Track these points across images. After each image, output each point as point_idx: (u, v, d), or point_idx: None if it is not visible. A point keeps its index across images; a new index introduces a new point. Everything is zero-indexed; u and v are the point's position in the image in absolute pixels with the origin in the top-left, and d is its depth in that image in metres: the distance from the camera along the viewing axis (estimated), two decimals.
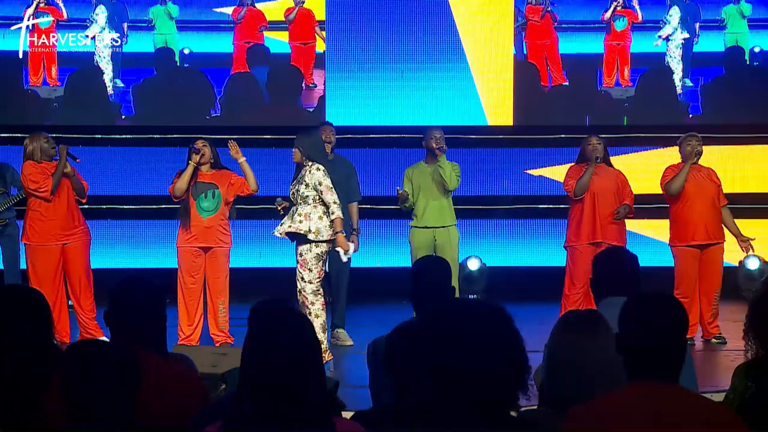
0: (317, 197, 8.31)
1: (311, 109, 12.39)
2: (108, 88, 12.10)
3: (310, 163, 8.40)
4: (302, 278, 8.39)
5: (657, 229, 9.76)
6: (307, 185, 8.35)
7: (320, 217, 8.30)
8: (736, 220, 9.51)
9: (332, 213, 8.30)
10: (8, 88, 12.01)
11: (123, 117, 12.21)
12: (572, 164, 9.44)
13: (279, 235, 8.51)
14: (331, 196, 8.31)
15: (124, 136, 11.66)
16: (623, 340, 3.11)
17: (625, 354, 3.10)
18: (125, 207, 11.17)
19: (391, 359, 3.63)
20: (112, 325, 3.75)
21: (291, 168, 9.77)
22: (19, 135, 11.68)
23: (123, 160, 11.13)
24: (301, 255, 8.37)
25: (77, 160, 8.91)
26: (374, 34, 11.97)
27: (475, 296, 10.69)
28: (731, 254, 10.18)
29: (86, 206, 9.34)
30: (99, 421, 2.94)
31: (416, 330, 2.72)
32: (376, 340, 4.66)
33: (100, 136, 11.19)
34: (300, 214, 8.33)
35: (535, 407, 3.48)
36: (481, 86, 11.98)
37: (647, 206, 10.70)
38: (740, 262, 11.48)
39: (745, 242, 9.35)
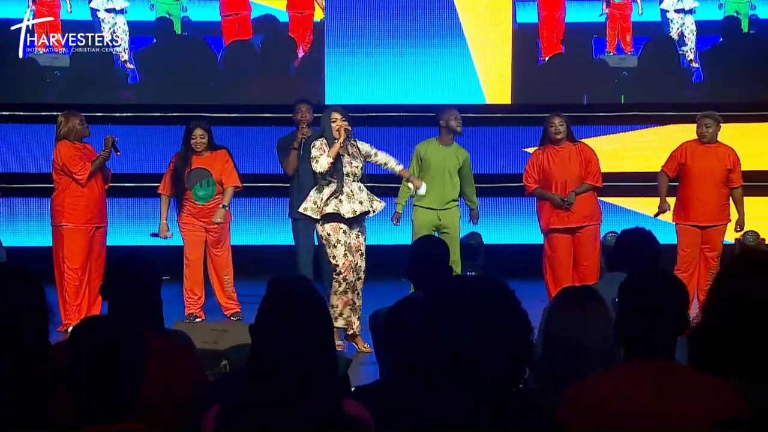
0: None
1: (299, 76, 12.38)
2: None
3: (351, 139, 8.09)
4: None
5: (654, 208, 9.80)
6: (363, 159, 8.14)
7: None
8: None
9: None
10: (3, 60, 11.87)
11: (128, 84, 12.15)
12: (535, 149, 9.30)
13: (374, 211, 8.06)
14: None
15: (125, 114, 11.68)
16: (624, 315, 3.12)
17: (625, 330, 3.12)
18: (127, 185, 11.21)
19: (392, 335, 3.68)
20: (108, 299, 3.79)
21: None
22: (21, 113, 11.72)
23: (125, 137, 11.14)
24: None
25: (118, 153, 8.90)
26: (373, 12, 11.98)
27: (473, 273, 10.74)
28: (727, 231, 10.24)
29: None
30: (105, 400, 2.89)
31: (421, 306, 2.74)
32: (377, 312, 4.74)
33: (101, 114, 11.21)
34: (366, 189, 8.12)
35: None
36: (479, 64, 12.01)
37: (643, 184, 10.76)
38: (736, 240, 11.55)
39: (739, 225, 9.55)
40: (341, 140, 7.81)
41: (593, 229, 9.04)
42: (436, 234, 8.86)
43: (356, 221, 7.98)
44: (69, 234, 8.74)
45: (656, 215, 9.49)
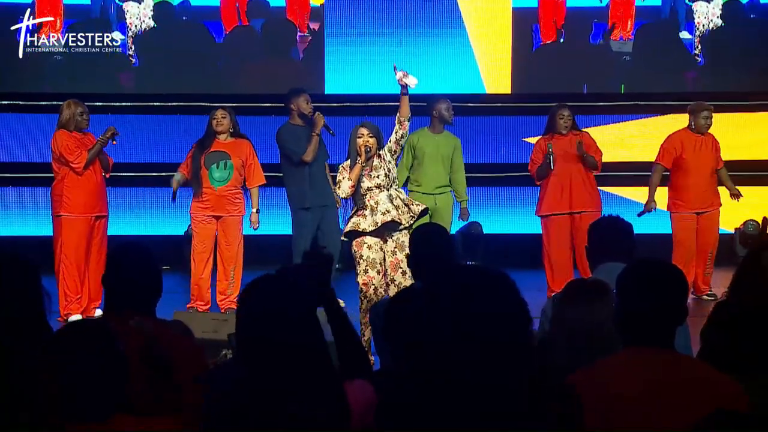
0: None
1: (301, 59, 12.36)
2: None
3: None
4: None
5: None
6: (389, 161, 7.64)
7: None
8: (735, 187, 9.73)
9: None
10: (2, 47, 11.83)
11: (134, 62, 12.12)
12: (539, 138, 9.54)
13: (407, 223, 7.48)
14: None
15: (125, 104, 11.66)
16: (624, 305, 3.14)
17: (624, 319, 3.14)
18: (127, 174, 11.23)
19: (392, 326, 3.68)
20: (107, 288, 3.80)
21: None
22: (20, 102, 11.71)
23: (125, 127, 11.16)
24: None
25: (114, 143, 8.89)
26: (373, 1, 11.98)
27: (472, 262, 10.75)
28: (728, 221, 10.30)
29: None
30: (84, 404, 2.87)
31: (422, 294, 2.73)
32: (376, 304, 4.74)
33: (101, 103, 11.20)
34: (402, 194, 7.71)
35: None
36: (479, 54, 12.00)
37: (644, 174, 10.75)
38: (737, 229, 11.58)
39: (735, 195, 9.64)
40: (362, 161, 7.45)
41: (593, 216, 9.09)
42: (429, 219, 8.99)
43: (390, 235, 7.50)
44: (68, 224, 8.70)
45: (641, 214, 9.44)
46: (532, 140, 11.82)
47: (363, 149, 7.44)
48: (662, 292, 3.11)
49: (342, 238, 7.75)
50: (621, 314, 3.15)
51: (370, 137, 7.48)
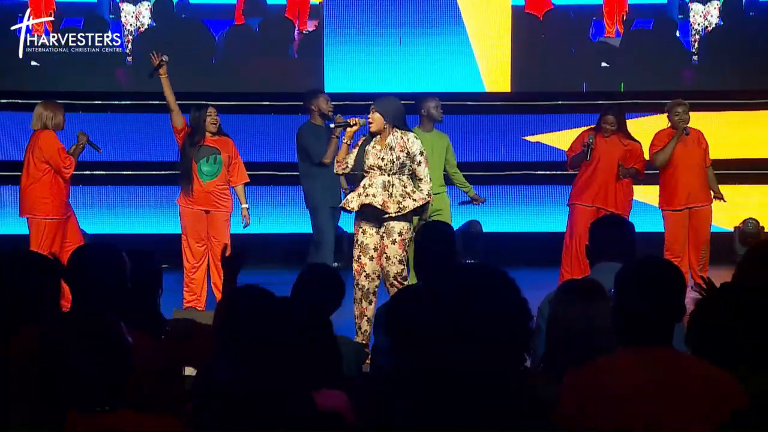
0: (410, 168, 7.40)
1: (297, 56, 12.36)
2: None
3: (399, 132, 7.35)
4: (400, 261, 7.29)
5: (649, 196, 9.85)
6: (408, 154, 7.34)
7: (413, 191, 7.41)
8: (733, 186, 9.74)
9: (425, 187, 7.44)
10: (3, 49, 11.83)
11: (129, 60, 12.12)
12: (585, 129, 9.56)
13: (394, 213, 7.29)
14: (426, 169, 7.44)
15: (123, 102, 11.66)
16: (623, 304, 3.14)
17: (623, 318, 3.14)
18: (126, 173, 11.21)
19: (393, 321, 3.69)
20: (70, 287, 3.73)
21: (287, 134, 9.79)
22: (20, 101, 11.71)
23: (122, 125, 11.16)
24: (400, 234, 7.30)
25: (99, 150, 8.96)
26: (373, 0, 11.99)
27: (472, 261, 10.75)
28: (727, 219, 10.31)
29: (86, 172, 9.33)
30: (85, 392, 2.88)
31: (423, 293, 2.74)
32: (381, 307, 4.74)
33: (100, 102, 11.20)
34: (406, 187, 7.34)
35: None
36: (478, 52, 12.00)
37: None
38: (736, 228, 11.58)
39: (719, 197, 9.60)
40: (346, 139, 7.34)
41: None
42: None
43: (378, 220, 7.30)
44: (48, 226, 8.76)
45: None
46: (532, 139, 11.83)
47: (352, 126, 7.39)
48: (661, 291, 3.11)
49: (340, 206, 7.65)
50: (620, 313, 3.15)
51: (374, 113, 7.34)
